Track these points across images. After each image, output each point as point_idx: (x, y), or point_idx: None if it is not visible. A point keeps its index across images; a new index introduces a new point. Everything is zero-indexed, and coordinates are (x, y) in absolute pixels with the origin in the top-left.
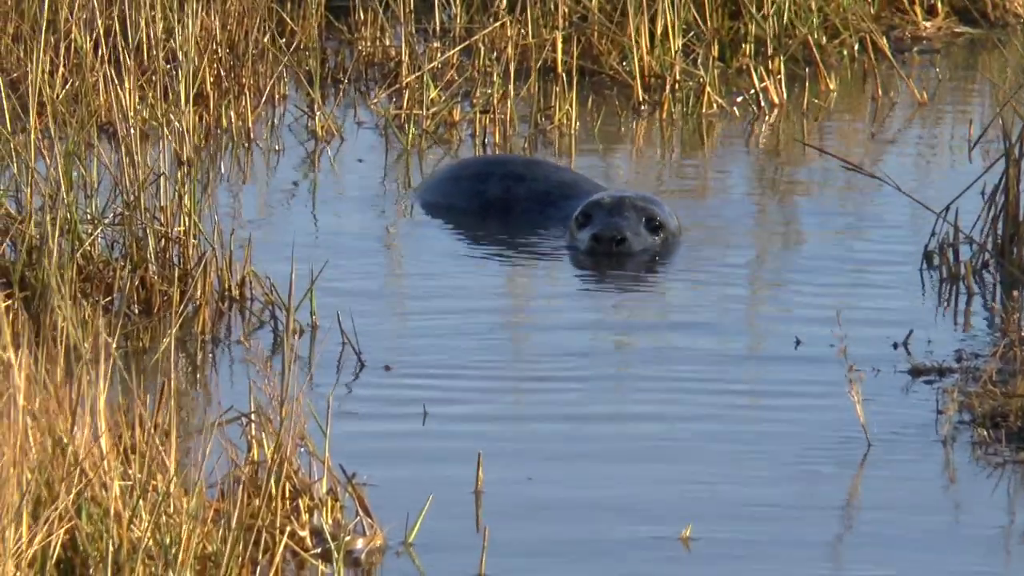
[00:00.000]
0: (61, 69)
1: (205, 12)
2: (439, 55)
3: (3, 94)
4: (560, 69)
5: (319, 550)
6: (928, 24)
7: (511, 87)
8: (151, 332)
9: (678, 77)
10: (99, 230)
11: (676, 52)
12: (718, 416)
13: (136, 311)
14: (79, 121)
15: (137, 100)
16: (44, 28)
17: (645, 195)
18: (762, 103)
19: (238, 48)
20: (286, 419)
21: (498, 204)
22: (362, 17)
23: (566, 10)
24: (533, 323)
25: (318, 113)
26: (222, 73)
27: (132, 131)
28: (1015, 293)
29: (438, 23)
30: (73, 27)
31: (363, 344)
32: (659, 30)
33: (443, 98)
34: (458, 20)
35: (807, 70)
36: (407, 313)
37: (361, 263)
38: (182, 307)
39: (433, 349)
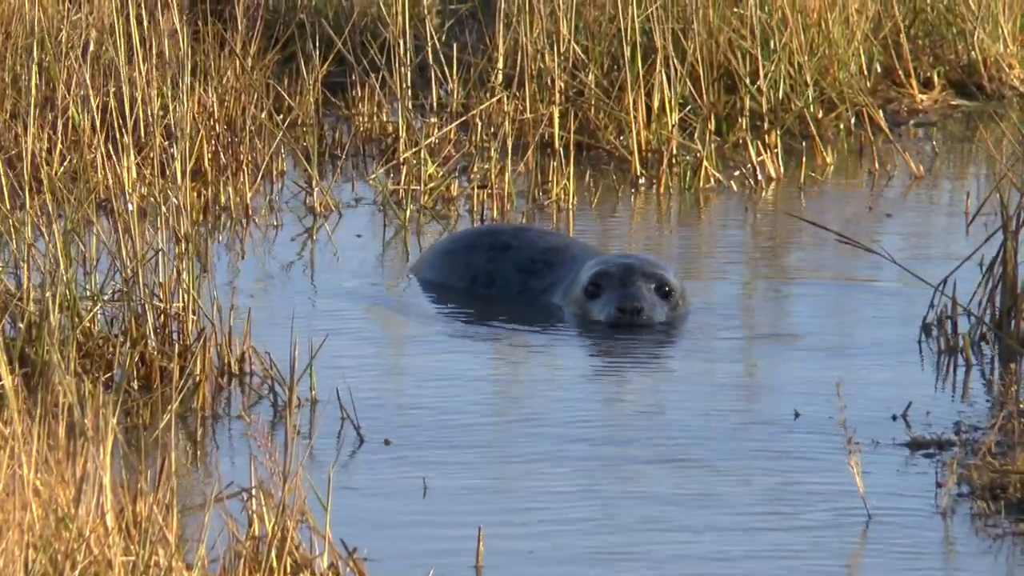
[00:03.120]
0: (59, 146)
1: (202, 89)
2: (436, 131)
3: (1, 171)
4: (557, 144)
5: None
6: (924, 97)
7: (508, 162)
8: (151, 408)
9: (675, 151)
10: (98, 306)
11: (673, 127)
12: (717, 488)
13: (136, 387)
14: (77, 198)
15: (135, 177)
16: (40, 104)
17: (647, 258)
18: (759, 177)
19: (236, 124)
20: (287, 494)
21: (483, 277)
22: (359, 93)
23: (563, 85)
24: (534, 397)
25: (316, 189)
26: (220, 149)
27: (130, 207)
28: (1013, 365)
29: (435, 99)
30: (71, 104)
31: (362, 418)
32: (656, 105)
33: (440, 173)
34: (455, 96)
35: (804, 144)
36: (406, 387)
37: (359, 338)
38: (182, 383)
39: (432, 423)
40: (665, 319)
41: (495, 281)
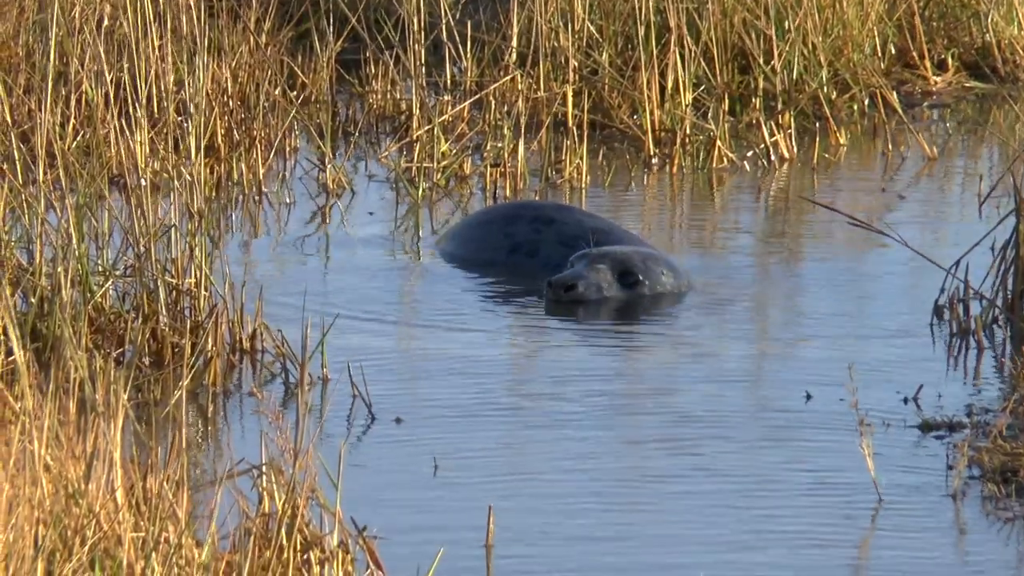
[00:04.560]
0: (72, 121)
1: (216, 65)
2: (450, 108)
3: (15, 146)
4: (571, 123)
5: None
6: (938, 79)
7: (521, 141)
8: (162, 384)
9: (688, 131)
10: (110, 282)
11: (687, 106)
12: (727, 470)
13: (147, 363)
14: (90, 173)
15: (148, 152)
16: (54, 79)
17: (640, 250)
18: (772, 157)
19: (249, 101)
20: (298, 472)
21: (527, 247)
22: (373, 70)
23: (576, 64)
24: (545, 375)
25: (329, 166)
26: (233, 126)
27: (143, 183)
28: None
29: (449, 76)
30: (84, 79)
31: (374, 396)
32: (670, 84)
33: (454, 151)
34: (469, 74)
35: (817, 125)
36: (418, 365)
37: (371, 315)
38: (193, 359)
39: (443, 401)
40: (609, 297)
41: (538, 251)
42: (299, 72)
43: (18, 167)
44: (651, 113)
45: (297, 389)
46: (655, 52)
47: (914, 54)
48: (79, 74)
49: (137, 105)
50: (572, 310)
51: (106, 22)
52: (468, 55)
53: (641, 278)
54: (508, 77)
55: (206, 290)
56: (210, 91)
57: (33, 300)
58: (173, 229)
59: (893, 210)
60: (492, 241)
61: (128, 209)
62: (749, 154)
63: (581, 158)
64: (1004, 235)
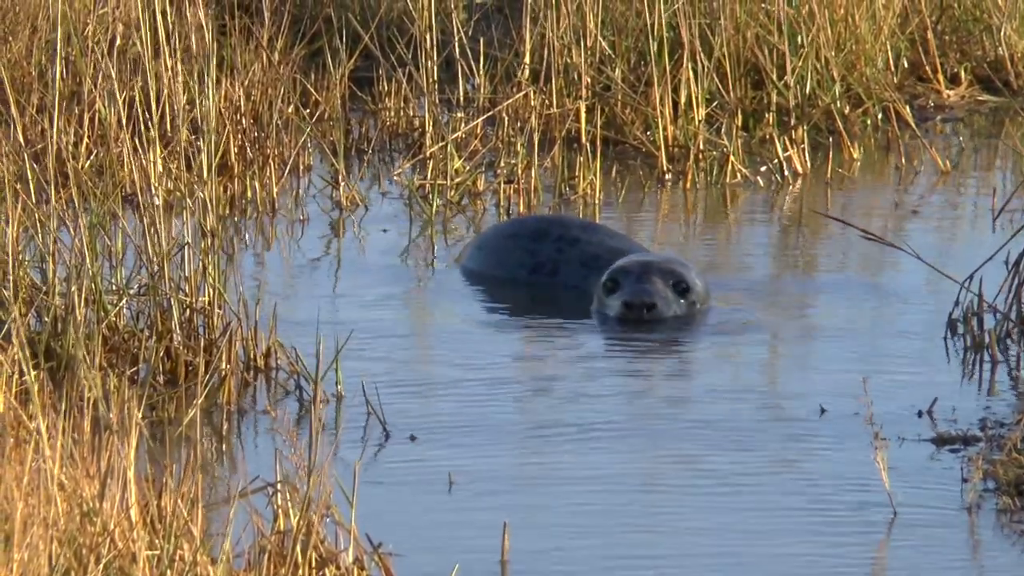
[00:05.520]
0: (86, 140)
1: (229, 83)
2: (463, 125)
3: (28, 165)
4: (584, 139)
5: None
6: (951, 93)
7: (535, 157)
8: (176, 402)
9: (702, 147)
10: (124, 301)
11: (700, 122)
12: (741, 485)
13: (161, 381)
14: (103, 192)
15: (161, 171)
16: (67, 99)
17: (671, 257)
18: (786, 172)
19: (263, 119)
20: (313, 489)
21: (549, 266)
22: (386, 88)
23: (589, 80)
24: (560, 391)
25: (342, 183)
26: (246, 144)
27: (156, 202)
28: None
29: (462, 93)
30: (97, 98)
31: (388, 413)
32: (683, 100)
33: (467, 168)
34: (482, 90)
35: (830, 139)
36: (432, 382)
37: (386, 332)
38: (207, 377)
39: (459, 418)
40: (678, 314)
41: (559, 272)
42: (312, 90)
43: (31, 187)
44: (664, 129)
45: (311, 406)
46: (668, 68)
47: (927, 68)
48: (92, 93)
49: (150, 124)
50: (590, 325)
51: (118, 41)
52: (481, 72)
53: (690, 286)
54: (521, 94)
55: (220, 308)
56: (223, 109)
57: (47, 319)
58: (186, 247)
59: (907, 224)
60: (516, 257)
61: (141, 228)
62: (763, 169)
63: (594, 174)
64: (1018, 248)
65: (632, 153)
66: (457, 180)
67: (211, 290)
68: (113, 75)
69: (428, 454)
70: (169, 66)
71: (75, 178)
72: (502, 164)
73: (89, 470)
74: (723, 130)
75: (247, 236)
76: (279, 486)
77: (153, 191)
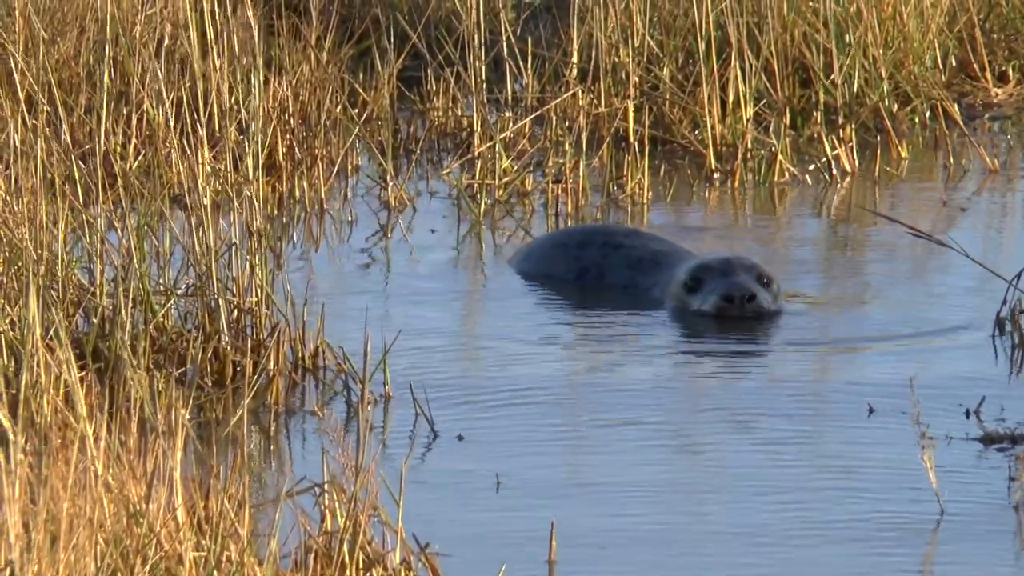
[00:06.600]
0: (133, 141)
1: (277, 83)
2: (511, 125)
3: (75, 166)
4: (632, 138)
5: None
6: (999, 91)
7: (583, 157)
8: (224, 403)
9: (750, 146)
10: (172, 301)
11: (748, 121)
12: (789, 485)
13: (209, 382)
14: (151, 192)
15: (209, 171)
16: (115, 100)
17: (742, 255)
18: (834, 171)
19: (311, 119)
20: (360, 489)
21: (594, 271)
22: (434, 87)
23: (637, 80)
24: (608, 392)
25: (390, 183)
26: (295, 144)
27: (204, 202)
28: None
29: (510, 93)
30: (145, 99)
31: (436, 414)
32: (731, 99)
33: (515, 168)
34: (530, 90)
35: (878, 138)
36: (480, 383)
37: (434, 332)
38: (255, 378)
39: (507, 418)
40: (771, 306)
41: (605, 275)
42: (360, 90)
43: (79, 188)
44: (712, 128)
45: (359, 406)
46: (716, 67)
47: (975, 66)
48: (140, 94)
49: (198, 124)
50: (638, 328)
51: (166, 41)
52: (529, 71)
53: (772, 279)
54: (569, 93)
55: (267, 308)
56: (271, 109)
57: (94, 320)
58: (234, 248)
59: (955, 222)
60: (563, 262)
61: (189, 228)
62: (811, 168)
63: (643, 173)
64: None
65: (680, 152)
66: (505, 180)
67: (259, 290)
68: (161, 76)
69: (476, 454)
70: (217, 66)
71: (123, 179)
72: (550, 164)
73: (136, 471)
74: (771, 129)
75: (295, 236)
76: (326, 487)
77: (201, 191)
